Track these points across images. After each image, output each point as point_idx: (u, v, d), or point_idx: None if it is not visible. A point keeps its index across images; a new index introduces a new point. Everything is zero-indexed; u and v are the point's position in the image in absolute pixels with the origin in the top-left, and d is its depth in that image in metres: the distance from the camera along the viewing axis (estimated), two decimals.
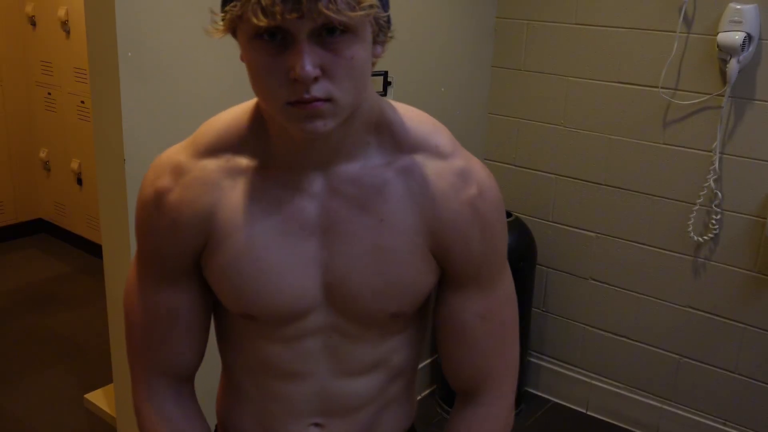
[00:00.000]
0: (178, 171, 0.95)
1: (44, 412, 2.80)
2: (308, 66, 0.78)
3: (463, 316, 1.00)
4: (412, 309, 0.99)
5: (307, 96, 0.80)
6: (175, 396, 1.06)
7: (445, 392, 2.92)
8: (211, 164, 0.95)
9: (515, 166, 2.93)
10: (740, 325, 2.51)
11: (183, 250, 0.97)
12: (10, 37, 4.20)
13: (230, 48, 1.94)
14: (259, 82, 0.83)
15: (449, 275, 0.99)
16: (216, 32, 0.85)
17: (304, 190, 0.93)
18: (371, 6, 0.79)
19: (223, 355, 1.09)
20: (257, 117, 0.95)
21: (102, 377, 2.86)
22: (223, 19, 0.82)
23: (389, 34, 0.88)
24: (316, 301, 0.96)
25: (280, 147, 0.93)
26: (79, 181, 4.18)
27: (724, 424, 2.60)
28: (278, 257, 0.94)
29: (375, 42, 0.86)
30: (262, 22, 0.76)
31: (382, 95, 2.37)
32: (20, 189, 4.45)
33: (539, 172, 2.87)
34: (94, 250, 4.10)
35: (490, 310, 1.01)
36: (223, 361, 1.10)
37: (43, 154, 4.37)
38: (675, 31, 2.43)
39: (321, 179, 0.93)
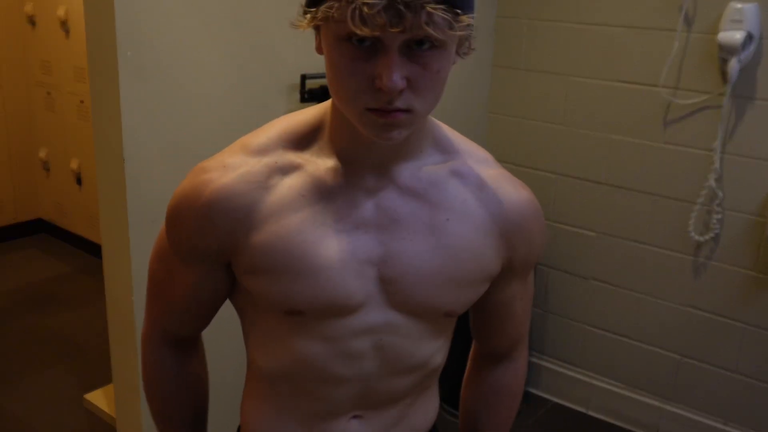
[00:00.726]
0: (222, 168, 0.93)
1: (44, 412, 2.80)
2: (397, 78, 0.79)
3: (506, 300, 1.10)
4: (465, 308, 1.03)
5: (389, 106, 0.81)
6: (175, 349, 1.12)
7: (445, 392, 2.91)
8: (260, 163, 0.93)
9: (515, 165, 2.93)
10: (741, 324, 2.50)
11: (210, 245, 0.95)
12: (9, 37, 4.20)
13: (230, 47, 1.94)
14: (340, 82, 0.84)
15: (503, 271, 1.04)
16: (301, 25, 0.85)
17: (359, 187, 0.94)
18: (469, 25, 0.81)
19: (254, 358, 1.05)
20: (317, 119, 0.96)
21: (102, 377, 2.86)
22: (314, 15, 0.82)
23: (472, 47, 0.88)
24: (370, 298, 0.95)
25: (339, 145, 0.94)
26: (79, 181, 4.17)
27: (725, 424, 2.60)
28: (329, 252, 0.92)
29: (456, 53, 0.88)
30: (363, 31, 0.77)
31: None
32: (20, 189, 4.45)
33: (539, 172, 2.87)
34: (94, 250, 4.10)
35: (527, 292, 1.14)
36: (253, 363, 1.06)
37: (42, 154, 4.37)
38: (675, 30, 2.43)
39: (378, 176, 0.94)
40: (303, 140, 0.95)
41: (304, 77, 2.08)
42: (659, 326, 2.68)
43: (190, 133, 1.88)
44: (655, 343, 2.70)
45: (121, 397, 2.13)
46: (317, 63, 2.18)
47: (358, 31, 0.77)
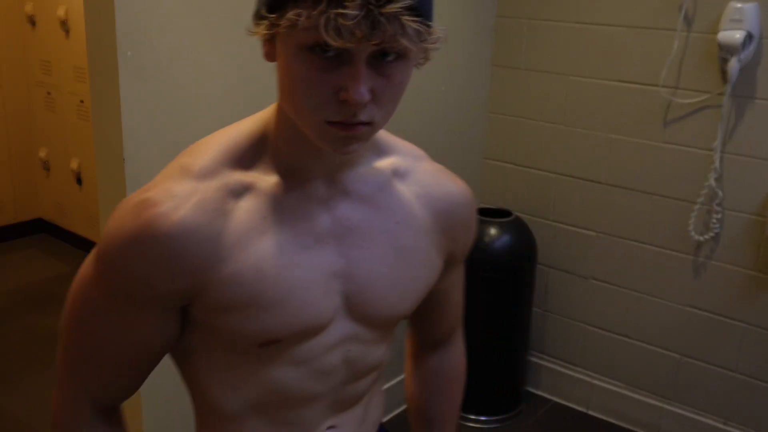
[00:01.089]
0: (171, 198, 0.83)
1: (44, 412, 2.79)
2: (364, 91, 0.76)
3: (446, 289, 1.11)
4: (416, 307, 1.03)
5: (353, 119, 0.79)
6: (105, 420, 0.98)
7: None
8: (210, 187, 0.85)
9: (515, 165, 2.92)
10: (741, 324, 2.50)
11: (177, 287, 0.85)
12: (9, 37, 4.20)
13: (230, 47, 1.94)
14: (300, 94, 0.80)
15: (445, 264, 1.05)
16: (258, 32, 0.81)
17: (312, 198, 0.90)
18: (439, 38, 0.80)
19: (212, 401, 0.97)
20: (258, 132, 0.91)
21: None
22: (274, 22, 0.77)
23: (429, 58, 0.86)
24: (337, 313, 0.93)
25: (287, 158, 0.90)
26: (79, 181, 4.17)
27: (725, 424, 2.60)
28: (299, 273, 0.89)
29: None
30: (337, 43, 0.73)
31: None
32: (20, 189, 4.45)
33: (539, 171, 2.87)
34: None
35: (462, 277, 1.16)
36: (209, 407, 0.98)
37: (42, 154, 4.37)
38: (675, 30, 2.43)
39: (328, 186, 0.91)
40: (247, 157, 0.89)
41: None
42: (659, 326, 2.68)
43: (190, 133, 1.88)
44: (655, 342, 2.70)
45: None
46: None
47: (333, 43, 0.73)
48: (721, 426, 2.61)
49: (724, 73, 2.36)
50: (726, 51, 2.31)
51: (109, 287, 0.87)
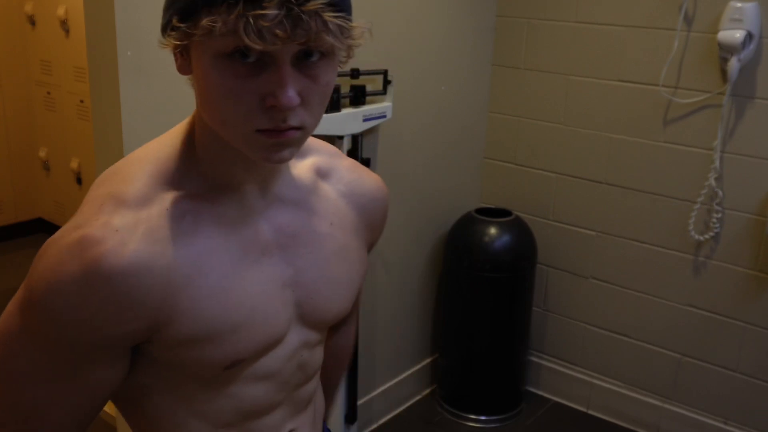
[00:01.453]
0: (114, 232, 0.76)
1: None
2: (292, 94, 0.73)
3: None
4: None
5: (283, 125, 0.75)
6: None
7: (446, 391, 2.92)
8: (151, 215, 0.79)
9: (515, 164, 2.92)
10: (741, 323, 2.50)
11: (132, 328, 0.78)
12: (9, 37, 4.20)
13: None
14: (223, 105, 0.75)
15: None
16: (169, 45, 0.77)
17: (250, 211, 0.87)
18: (362, 33, 0.77)
19: None
20: (180, 149, 0.86)
21: None
22: (186, 32, 0.74)
23: (351, 56, 0.82)
24: (290, 322, 0.92)
25: (217, 172, 0.85)
26: (79, 181, 4.17)
27: (725, 423, 2.60)
28: (256, 288, 0.86)
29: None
30: (258, 46, 0.69)
31: (382, 94, 2.37)
32: (20, 188, 4.45)
33: (539, 171, 2.87)
34: None
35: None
36: None
37: (42, 154, 4.37)
38: (675, 29, 2.43)
39: (262, 195, 0.89)
40: (176, 176, 0.83)
41: None
42: (659, 325, 2.68)
43: None
44: (655, 342, 2.70)
45: None
46: None
47: (255, 46, 0.69)
48: (721, 425, 2.61)
49: (724, 73, 2.36)
50: (726, 50, 2.31)
51: (47, 340, 0.77)
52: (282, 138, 0.76)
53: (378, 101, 2.37)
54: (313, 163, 0.97)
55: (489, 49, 2.89)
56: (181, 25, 0.73)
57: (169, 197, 0.82)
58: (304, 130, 0.78)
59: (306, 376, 0.99)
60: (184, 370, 0.86)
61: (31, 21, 4.16)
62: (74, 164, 4.14)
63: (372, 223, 1.03)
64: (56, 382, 0.80)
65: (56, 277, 0.75)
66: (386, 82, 2.37)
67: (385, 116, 2.36)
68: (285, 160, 0.80)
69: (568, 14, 2.67)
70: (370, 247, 1.06)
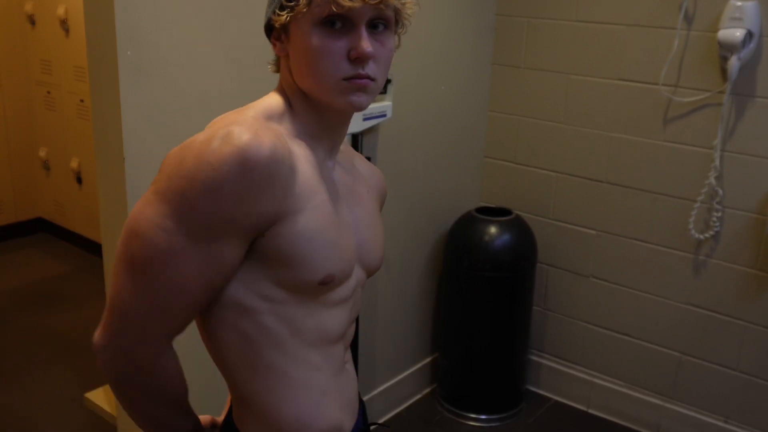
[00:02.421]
0: (257, 131, 0.93)
1: (45, 411, 2.80)
2: (369, 45, 0.96)
3: None
4: None
5: (362, 72, 0.97)
6: (172, 349, 1.03)
7: (446, 391, 2.92)
8: (277, 129, 0.99)
9: (515, 163, 2.92)
10: (741, 322, 2.50)
11: (266, 210, 0.93)
12: (9, 36, 4.20)
13: (230, 45, 1.94)
14: (319, 61, 0.97)
15: None
16: (280, 19, 0.98)
17: (324, 166, 1.07)
18: (413, 6, 1.02)
19: (260, 359, 1.02)
20: (277, 105, 1.04)
21: (102, 376, 2.86)
22: (295, 5, 0.96)
23: (400, 36, 1.06)
24: (355, 259, 1.10)
25: (304, 128, 1.04)
26: (79, 180, 4.17)
27: (726, 422, 2.60)
28: (341, 219, 1.05)
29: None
30: (347, 3, 0.93)
31: (382, 93, 2.37)
32: (20, 188, 4.45)
33: (539, 170, 2.87)
34: (94, 248, 4.10)
35: None
36: (258, 364, 1.03)
37: (42, 153, 4.37)
38: (675, 28, 2.43)
39: (331, 156, 1.09)
40: (278, 119, 1.03)
41: None
42: (660, 324, 2.68)
43: (190, 133, 1.87)
44: (655, 341, 2.70)
45: None
46: None
47: (346, 4, 0.93)
48: (721, 424, 2.61)
49: (724, 72, 2.36)
50: (726, 49, 2.31)
51: (194, 215, 0.91)
52: (362, 83, 0.98)
53: (378, 100, 2.37)
54: (345, 148, 1.17)
55: (489, 48, 2.89)
56: (289, 2, 0.97)
57: (276, 127, 1.00)
58: (375, 82, 1.00)
59: (355, 314, 1.15)
60: (286, 277, 0.98)
61: (31, 20, 4.16)
62: (74, 164, 4.14)
63: (381, 202, 1.25)
64: (203, 254, 0.93)
65: (216, 157, 0.89)
66: (386, 82, 2.37)
67: (385, 115, 2.36)
68: (363, 105, 1.00)
69: (568, 13, 2.67)
70: None
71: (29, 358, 3.17)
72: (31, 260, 4.23)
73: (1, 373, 3.05)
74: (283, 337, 1.02)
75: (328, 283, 1.02)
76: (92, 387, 2.87)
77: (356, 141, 2.30)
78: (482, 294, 2.74)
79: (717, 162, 2.43)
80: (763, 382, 2.50)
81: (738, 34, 2.26)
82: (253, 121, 0.96)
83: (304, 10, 0.96)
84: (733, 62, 2.29)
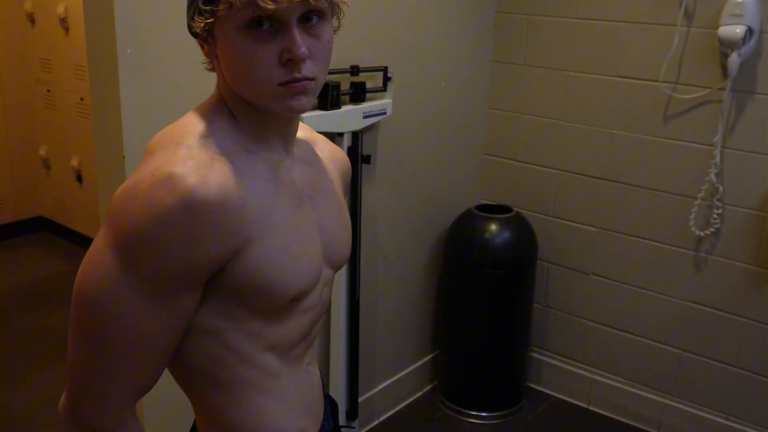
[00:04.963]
0: (198, 168, 0.87)
1: (45, 410, 2.80)
2: (302, 47, 0.88)
3: None
4: None
5: (298, 75, 0.90)
6: (135, 413, 0.98)
7: (446, 388, 2.92)
8: (216, 159, 0.91)
9: (516, 161, 2.92)
10: (742, 319, 2.50)
11: (223, 250, 0.89)
12: (9, 35, 4.19)
13: None
14: (249, 68, 0.90)
15: None
16: (198, 25, 0.91)
17: (280, 167, 1.00)
18: None
19: (223, 375, 0.99)
20: (215, 116, 0.97)
21: None
22: (213, 10, 0.88)
23: (341, 17, 0.98)
24: (322, 260, 1.06)
25: (249, 134, 0.98)
26: (79, 179, 4.17)
27: (726, 419, 2.60)
28: (304, 228, 1.01)
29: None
30: (272, 6, 0.84)
31: (382, 91, 2.37)
32: (20, 186, 4.45)
33: (540, 167, 2.86)
34: None
35: None
36: (224, 379, 1.00)
37: (42, 152, 4.37)
38: (676, 25, 2.42)
39: (286, 154, 1.02)
40: (219, 137, 0.95)
41: None
42: (660, 321, 2.68)
43: None
44: (656, 337, 2.70)
45: None
46: None
47: (270, 7, 0.84)
48: (722, 421, 2.61)
49: (724, 68, 2.36)
50: (726, 46, 2.31)
51: (153, 271, 0.86)
52: (299, 87, 0.91)
53: (378, 98, 2.37)
54: (302, 135, 1.11)
55: (489, 45, 2.89)
56: (207, 7, 0.89)
57: (219, 147, 0.94)
58: (315, 81, 0.93)
59: (321, 314, 1.11)
60: (254, 307, 0.96)
61: (31, 19, 4.16)
62: (74, 162, 4.14)
63: (345, 185, 1.21)
64: (160, 310, 0.89)
65: (159, 210, 0.84)
66: (386, 79, 2.37)
67: (385, 113, 2.36)
68: (304, 108, 0.93)
69: (568, 10, 2.67)
70: None
71: (29, 356, 3.17)
72: (31, 259, 4.23)
73: (1, 372, 3.05)
74: (245, 350, 0.98)
75: (299, 299, 1.00)
76: None
77: (356, 139, 2.30)
78: (483, 291, 2.74)
79: (717, 159, 2.43)
80: (763, 379, 2.50)
81: (738, 30, 2.26)
82: (198, 152, 0.89)
83: (224, 14, 0.88)
84: (734, 59, 2.29)
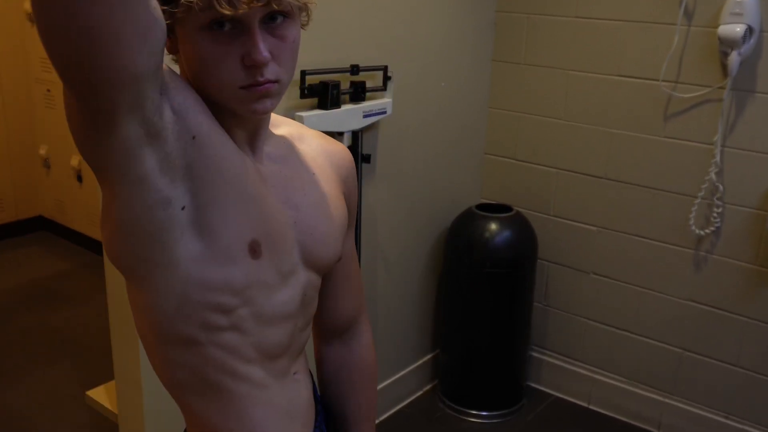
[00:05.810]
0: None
1: (46, 409, 2.80)
2: (264, 51, 0.86)
3: (345, 259, 1.17)
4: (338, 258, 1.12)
5: (261, 79, 0.87)
6: None
7: (447, 387, 2.92)
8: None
9: (516, 160, 2.92)
10: (742, 318, 2.50)
11: (180, 102, 0.87)
12: (9, 34, 4.19)
13: None
14: (211, 70, 0.88)
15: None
16: None
17: (251, 158, 0.98)
18: None
19: (210, 386, 1.00)
20: None
21: (103, 374, 2.86)
22: (172, 11, 0.84)
23: (310, 15, 0.95)
24: (298, 261, 1.02)
25: (222, 124, 0.96)
26: (79, 178, 4.17)
27: (726, 418, 2.60)
28: (271, 205, 0.98)
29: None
30: (230, 12, 0.81)
31: (382, 90, 2.37)
32: (20, 186, 4.45)
33: (540, 166, 2.87)
34: (95, 246, 4.10)
35: (353, 248, 1.21)
36: (209, 390, 1.00)
37: (43, 151, 4.37)
38: (676, 24, 2.42)
39: (253, 151, 0.99)
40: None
41: (304, 73, 2.07)
42: (660, 320, 2.68)
43: None
44: (656, 337, 2.70)
45: (123, 394, 2.14)
46: (317, 59, 2.17)
47: (228, 12, 0.81)
48: (722, 420, 2.61)
49: (724, 67, 2.36)
50: (726, 45, 2.31)
51: None
52: (262, 90, 0.88)
53: (378, 97, 2.37)
54: (286, 131, 1.08)
55: (489, 45, 2.88)
56: (165, 7, 0.84)
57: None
58: (279, 83, 0.90)
59: (306, 320, 1.08)
60: (212, 240, 0.90)
61: (31, 19, 4.16)
62: (75, 162, 4.14)
63: (345, 180, 1.13)
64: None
65: None
66: (386, 79, 2.37)
67: (385, 112, 2.36)
68: (268, 111, 0.91)
69: (568, 9, 2.67)
70: (348, 209, 1.14)
71: (30, 356, 3.17)
72: (31, 258, 4.23)
73: (2, 371, 3.05)
74: (225, 362, 0.97)
75: (257, 252, 0.94)
76: (93, 385, 2.88)
77: (356, 138, 2.30)
78: (483, 290, 2.74)
79: (717, 158, 2.43)
80: (763, 378, 2.50)
81: (738, 29, 2.26)
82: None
83: (182, 17, 0.85)
84: (734, 58, 2.29)
